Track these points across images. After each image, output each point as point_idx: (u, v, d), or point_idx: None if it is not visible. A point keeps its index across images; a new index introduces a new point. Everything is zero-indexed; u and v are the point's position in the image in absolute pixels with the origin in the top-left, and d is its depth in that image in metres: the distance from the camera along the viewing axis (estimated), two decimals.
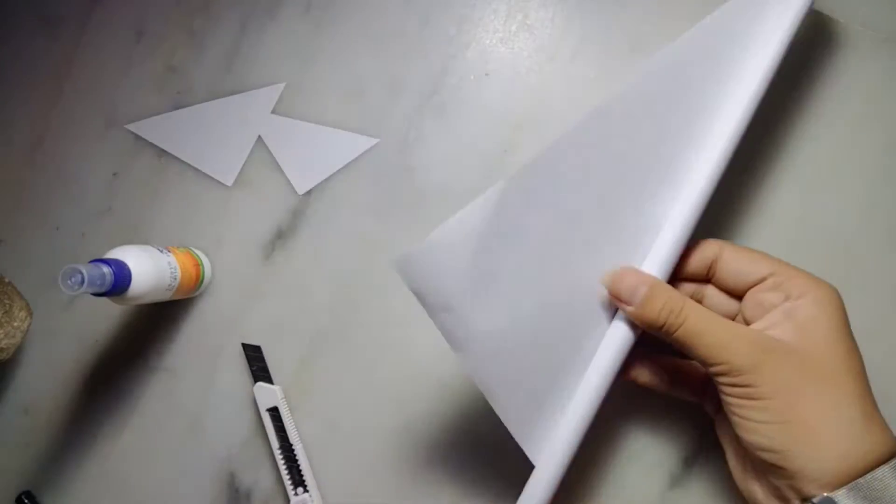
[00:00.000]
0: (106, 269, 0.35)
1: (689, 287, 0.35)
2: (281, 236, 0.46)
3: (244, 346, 0.45)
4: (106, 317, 0.48)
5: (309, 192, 0.46)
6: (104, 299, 0.37)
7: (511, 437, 0.42)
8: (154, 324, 0.47)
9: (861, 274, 0.38)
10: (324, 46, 0.46)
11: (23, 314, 0.44)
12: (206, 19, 0.48)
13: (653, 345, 0.34)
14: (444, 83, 0.44)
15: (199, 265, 0.44)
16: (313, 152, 0.46)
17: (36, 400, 0.48)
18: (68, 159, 0.50)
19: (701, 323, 0.31)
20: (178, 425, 0.46)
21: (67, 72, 0.50)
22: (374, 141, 0.45)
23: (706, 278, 0.35)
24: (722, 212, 0.39)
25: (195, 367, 0.46)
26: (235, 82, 0.48)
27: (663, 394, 0.36)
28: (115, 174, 0.49)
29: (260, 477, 0.45)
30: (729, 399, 0.30)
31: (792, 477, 0.28)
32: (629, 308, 0.32)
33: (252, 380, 0.44)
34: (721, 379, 0.30)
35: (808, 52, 0.40)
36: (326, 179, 0.45)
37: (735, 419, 0.30)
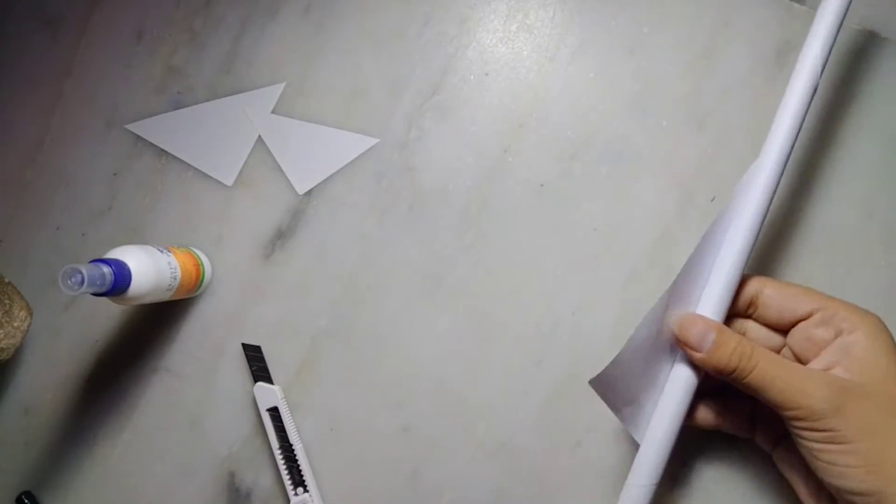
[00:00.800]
0: (106, 269, 0.35)
1: (731, 323, 0.35)
2: (281, 236, 0.46)
3: (244, 346, 0.45)
4: (106, 317, 0.48)
5: (309, 192, 0.46)
6: (104, 299, 0.37)
7: (510, 437, 0.42)
8: (154, 324, 0.47)
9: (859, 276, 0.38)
10: (324, 46, 0.46)
11: (23, 314, 0.44)
12: (206, 19, 0.48)
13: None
14: (445, 83, 0.44)
15: (199, 265, 0.44)
16: (313, 152, 0.46)
17: (36, 400, 0.48)
18: (68, 159, 0.50)
19: (773, 368, 0.31)
20: (178, 425, 0.46)
21: (68, 72, 0.50)
22: (374, 141, 0.45)
23: (746, 314, 0.35)
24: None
25: (195, 366, 0.46)
26: (235, 82, 0.48)
27: (710, 429, 0.36)
28: (115, 174, 0.49)
29: (260, 477, 0.45)
30: (809, 444, 0.30)
31: None
32: (698, 355, 0.32)
33: (252, 380, 0.44)
34: (798, 423, 0.30)
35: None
36: (326, 179, 0.45)
37: (818, 464, 0.30)
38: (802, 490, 0.33)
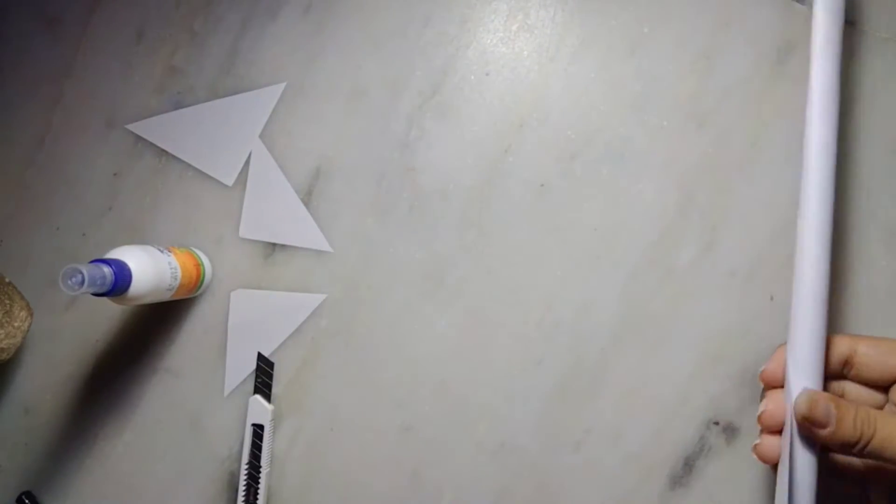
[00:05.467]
0: (106, 270, 0.35)
1: (828, 386, 0.34)
2: None
3: (260, 356, 0.44)
4: (106, 317, 0.48)
5: (309, 192, 0.46)
6: (105, 299, 0.37)
7: (510, 437, 0.42)
8: (154, 324, 0.47)
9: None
10: (324, 46, 0.46)
11: (23, 314, 0.44)
12: (206, 19, 0.48)
13: None
14: (445, 83, 0.44)
15: (199, 265, 0.44)
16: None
17: (36, 400, 0.48)
18: (69, 159, 0.50)
19: (890, 428, 0.29)
20: (178, 425, 0.46)
21: (68, 72, 0.50)
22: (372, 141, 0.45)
23: (842, 375, 0.34)
24: None
25: (196, 367, 0.46)
26: (236, 82, 0.48)
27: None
28: (115, 174, 0.49)
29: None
30: None
31: None
32: (825, 431, 0.30)
33: (253, 388, 0.44)
34: None
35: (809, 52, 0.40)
36: (327, 180, 0.45)
37: None
38: None
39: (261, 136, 0.47)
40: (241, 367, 0.45)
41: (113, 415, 0.47)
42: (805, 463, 0.31)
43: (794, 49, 0.40)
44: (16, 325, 0.43)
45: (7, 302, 0.43)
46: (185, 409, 0.46)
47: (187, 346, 0.46)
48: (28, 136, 0.50)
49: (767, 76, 0.40)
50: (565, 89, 0.43)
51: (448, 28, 0.45)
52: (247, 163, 0.47)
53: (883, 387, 0.33)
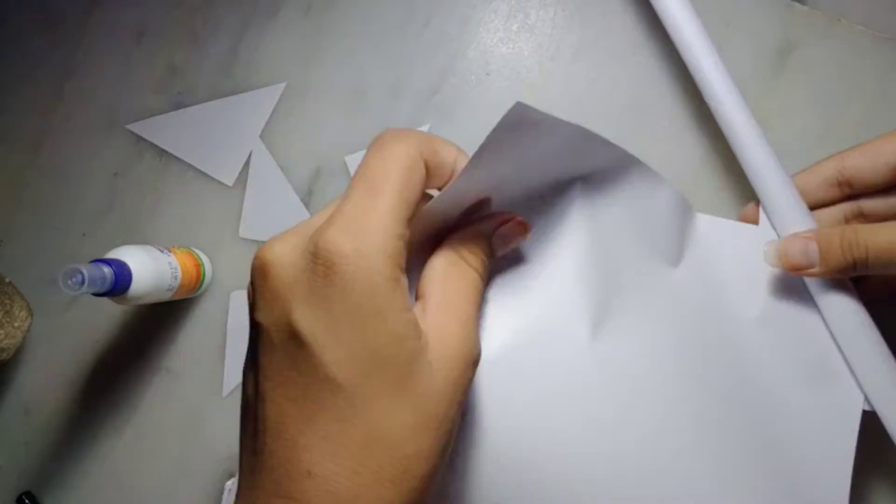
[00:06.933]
0: (106, 270, 0.35)
1: (838, 210, 0.32)
2: None
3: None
4: (106, 317, 0.48)
5: (310, 192, 0.46)
6: (105, 299, 0.37)
7: None
8: (155, 324, 0.47)
9: None
10: (325, 46, 0.46)
11: (23, 314, 0.44)
12: (206, 19, 0.48)
13: None
14: (446, 83, 0.44)
15: (199, 265, 0.44)
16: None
17: (36, 400, 0.48)
18: (69, 159, 0.50)
19: (882, 236, 0.28)
20: (178, 425, 0.46)
21: (68, 72, 0.50)
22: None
23: (849, 195, 0.32)
24: None
25: (196, 367, 0.46)
26: (236, 82, 0.48)
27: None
28: (115, 174, 0.49)
29: None
30: None
31: None
32: (814, 270, 0.29)
33: None
34: None
35: (809, 52, 0.40)
36: (327, 178, 0.45)
37: None
38: None
39: (261, 136, 0.47)
40: (241, 367, 0.45)
41: (113, 415, 0.47)
42: (841, 307, 0.31)
43: (794, 49, 0.40)
44: (16, 325, 0.43)
45: (7, 302, 0.43)
46: (185, 409, 0.46)
47: (187, 346, 0.46)
48: (28, 137, 0.50)
49: (767, 76, 0.40)
50: (566, 89, 0.43)
51: (449, 28, 0.45)
52: (247, 163, 0.47)
53: (892, 187, 0.31)
